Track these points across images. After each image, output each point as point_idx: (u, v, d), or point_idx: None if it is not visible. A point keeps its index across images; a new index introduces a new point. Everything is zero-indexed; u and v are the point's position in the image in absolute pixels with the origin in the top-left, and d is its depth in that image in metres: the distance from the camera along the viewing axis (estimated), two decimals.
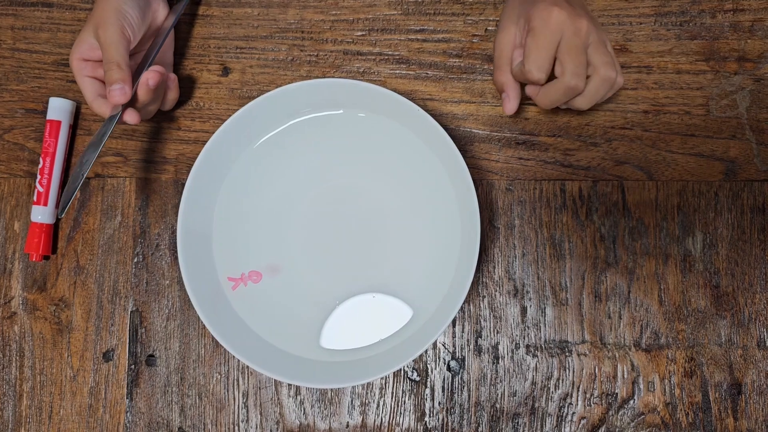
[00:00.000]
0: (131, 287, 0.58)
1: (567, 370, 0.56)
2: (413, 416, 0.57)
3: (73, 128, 0.60)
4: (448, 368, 0.57)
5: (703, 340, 0.56)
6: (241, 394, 0.57)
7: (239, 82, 0.60)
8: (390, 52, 0.60)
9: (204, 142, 0.54)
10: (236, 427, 0.57)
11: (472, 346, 0.57)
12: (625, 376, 0.56)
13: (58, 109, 0.58)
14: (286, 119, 0.57)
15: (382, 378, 0.57)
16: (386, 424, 0.57)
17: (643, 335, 0.56)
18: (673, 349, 0.56)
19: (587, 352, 0.56)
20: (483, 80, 0.59)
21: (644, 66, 0.59)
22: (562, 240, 0.57)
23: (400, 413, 0.57)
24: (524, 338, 0.57)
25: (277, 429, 0.57)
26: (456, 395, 0.57)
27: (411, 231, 0.56)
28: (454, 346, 0.57)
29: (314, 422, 0.57)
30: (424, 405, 0.57)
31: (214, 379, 0.57)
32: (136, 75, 0.54)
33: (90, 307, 0.58)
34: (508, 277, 0.57)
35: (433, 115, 0.53)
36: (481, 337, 0.57)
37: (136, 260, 0.59)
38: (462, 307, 0.57)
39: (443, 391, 0.57)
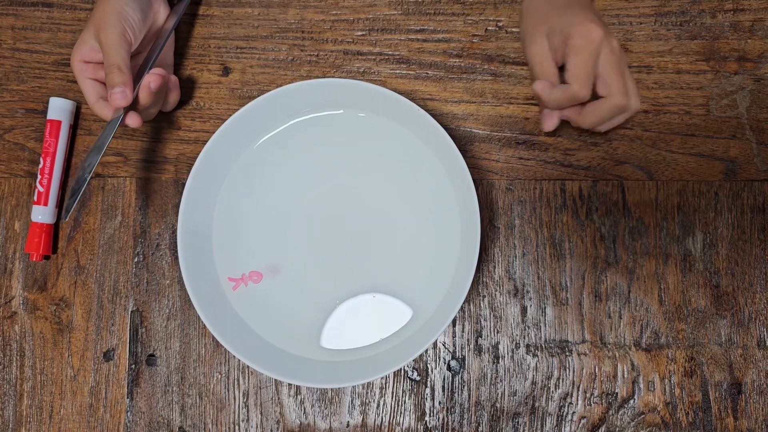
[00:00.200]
0: (132, 287, 0.58)
1: (567, 370, 0.56)
2: (413, 416, 0.57)
3: (74, 128, 0.60)
4: (449, 368, 0.57)
5: (703, 339, 0.56)
6: (241, 394, 0.57)
7: (239, 82, 0.60)
8: (390, 52, 0.60)
9: (204, 142, 0.54)
10: (237, 427, 0.57)
11: (472, 346, 0.57)
12: (626, 376, 0.56)
13: (59, 108, 0.59)
14: (286, 119, 0.57)
15: (382, 378, 0.57)
16: (386, 423, 0.57)
17: (643, 335, 0.56)
18: (673, 348, 0.56)
19: (587, 352, 0.56)
20: (483, 80, 0.59)
21: (644, 66, 0.59)
22: (563, 240, 0.57)
23: (401, 413, 0.57)
24: (524, 338, 0.57)
25: (278, 428, 0.57)
26: (456, 395, 0.57)
27: (411, 231, 0.56)
28: (454, 345, 0.57)
29: (314, 422, 0.57)
30: (425, 404, 0.57)
31: (215, 378, 0.57)
32: (137, 77, 0.54)
33: (90, 306, 0.58)
34: (508, 277, 0.57)
35: (434, 115, 0.53)
36: (481, 337, 0.57)
37: (136, 260, 0.59)
38: (462, 306, 0.57)
39: (443, 390, 0.57)
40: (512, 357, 0.57)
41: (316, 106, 0.57)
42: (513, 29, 0.60)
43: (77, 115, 0.60)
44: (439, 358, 0.57)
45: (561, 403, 0.56)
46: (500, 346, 0.57)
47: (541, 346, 0.57)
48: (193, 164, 0.54)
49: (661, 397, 0.56)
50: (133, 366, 0.58)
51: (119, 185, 0.59)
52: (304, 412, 0.57)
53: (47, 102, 0.59)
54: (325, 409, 0.57)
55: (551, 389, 0.56)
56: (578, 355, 0.56)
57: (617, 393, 0.56)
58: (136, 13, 0.53)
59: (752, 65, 0.58)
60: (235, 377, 0.57)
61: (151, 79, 0.52)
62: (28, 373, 0.58)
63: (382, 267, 0.56)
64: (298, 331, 0.55)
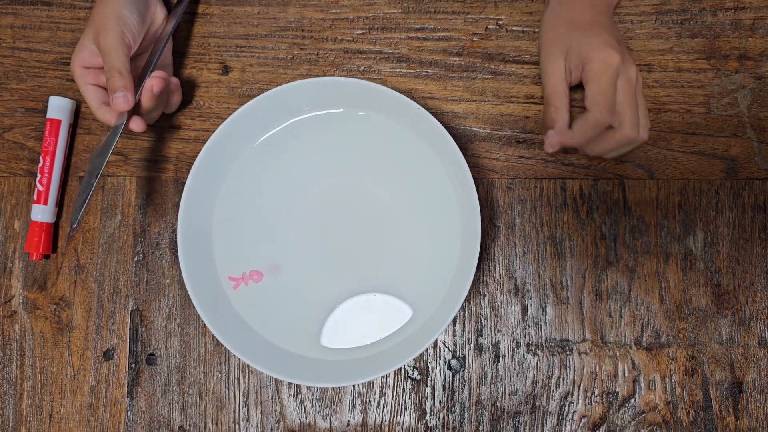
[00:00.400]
0: (131, 286, 0.58)
1: (568, 369, 0.56)
2: (414, 415, 0.57)
3: (73, 127, 0.60)
4: (449, 367, 0.57)
5: (704, 338, 0.56)
6: (241, 393, 0.57)
7: (239, 81, 0.60)
8: (390, 51, 0.60)
9: (204, 141, 0.54)
10: (237, 426, 0.57)
11: (472, 345, 0.57)
12: (626, 375, 0.56)
13: (58, 107, 0.58)
14: (286, 118, 0.57)
15: (382, 377, 0.57)
16: (387, 422, 0.57)
17: (644, 334, 0.56)
18: (674, 347, 0.56)
19: (588, 351, 0.56)
20: (483, 79, 0.59)
21: (645, 64, 0.59)
22: (563, 238, 0.57)
23: (401, 412, 0.57)
24: (525, 337, 0.57)
25: (278, 428, 0.57)
26: (457, 394, 0.56)
27: (411, 229, 0.56)
28: (454, 344, 0.57)
29: (315, 421, 0.57)
30: (425, 404, 0.57)
31: (215, 377, 0.57)
32: (139, 81, 0.54)
33: (90, 306, 0.58)
34: (508, 276, 0.57)
35: (434, 114, 0.53)
36: (481, 336, 0.57)
37: (136, 259, 0.59)
38: (463, 305, 0.57)
39: (444, 389, 0.57)
40: (513, 356, 0.57)
41: (316, 105, 0.57)
42: (513, 28, 0.59)
43: (77, 114, 0.60)
44: (440, 357, 0.57)
45: (562, 402, 0.56)
46: (501, 345, 0.57)
47: (541, 345, 0.57)
48: (193, 163, 0.54)
49: (662, 396, 0.56)
50: (133, 365, 0.58)
51: (119, 184, 0.59)
52: (305, 412, 0.57)
53: (47, 101, 0.59)
54: (326, 408, 0.57)
55: (552, 388, 0.56)
56: (579, 354, 0.56)
57: (618, 392, 0.56)
58: (134, 15, 0.53)
59: (753, 63, 0.58)
60: (236, 376, 0.57)
61: (154, 83, 0.52)
62: (28, 373, 0.58)
63: (383, 266, 0.56)
64: (299, 330, 0.55)
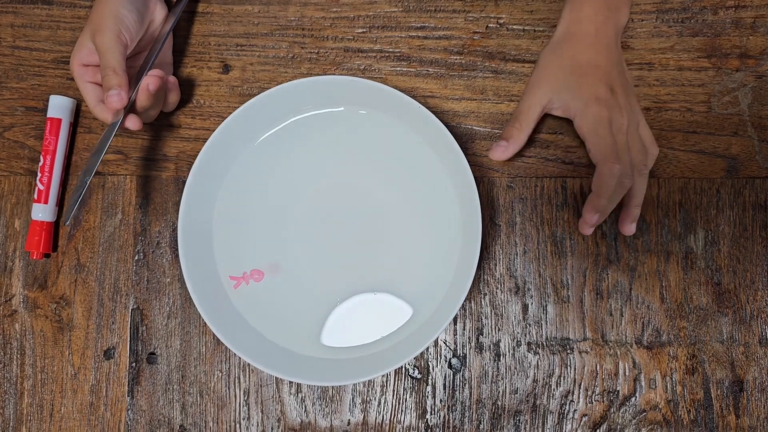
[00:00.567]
0: (132, 285, 0.58)
1: (568, 368, 0.56)
2: (414, 414, 0.56)
3: (74, 126, 0.60)
4: (450, 366, 0.57)
5: (705, 337, 0.56)
6: (242, 392, 0.57)
7: (240, 80, 0.60)
8: (391, 49, 0.60)
9: (204, 140, 0.54)
10: (237, 425, 0.57)
11: (473, 344, 0.57)
12: (627, 374, 0.56)
13: (59, 106, 0.58)
14: (286, 117, 0.57)
15: (383, 375, 0.57)
16: (387, 421, 0.56)
17: (644, 332, 0.56)
18: (674, 346, 0.56)
19: (589, 350, 0.56)
20: (484, 77, 0.59)
21: (646, 63, 0.58)
22: (564, 237, 0.57)
23: (402, 411, 0.57)
24: (526, 336, 0.57)
25: (279, 427, 0.57)
26: (457, 393, 0.56)
27: (412, 228, 0.56)
28: (455, 343, 0.57)
29: (315, 420, 0.57)
30: (426, 402, 0.57)
31: (215, 376, 0.57)
32: (136, 79, 0.54)
33: (91, 304, 0.58)
34: (509, 275, 0.57)
35: (434, 113, 0.53)
36: (482, 335, 0.57)
37: (136, 258, 0.59)
38: (463, 304, 0.57)
39: (444, 388, 0.57)
40: (513, 355, 0.57)
41: (317, 104, 0.57)
42: (514, 26, 0.59)
43: (77, 113, 0.60)
44: (440, 356, 0.57)
45: (562, 401, 0.56)
46: (501, 344, 0.57)
47: (542, 343, 0.57)
48: (193, 162, 0.54)
49: (662, 394, 0.56)
50: (133, 364, 0.58)
51: (119, 183, 0.59)
52: (305, 410, 0.57)
53: (47, 100, 0.59)
54: (326, 407, 0.57)
55: (552, 387, 0.56)
56: (579, 352, 0.56)
57: (619, 391, 0.56)
58: (132, 14, 0.53)
59: (754, 62, 0.58)
60: (236, 375, 0.57)
61: (150, 81, 0.52)
62: (28, 372, 0.58)
63: (383, 265, 0.56)
64: (299, 329, 0.55)
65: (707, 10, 0.59)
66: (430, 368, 0.57)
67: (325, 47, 0.60)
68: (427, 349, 0.57)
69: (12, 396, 0.58)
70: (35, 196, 0.58)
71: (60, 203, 0.59)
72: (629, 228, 0.54)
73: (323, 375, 0.53)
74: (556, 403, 0.56)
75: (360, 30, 0.60)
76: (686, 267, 0.57)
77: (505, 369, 0.57)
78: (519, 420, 0.56)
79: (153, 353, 0.58)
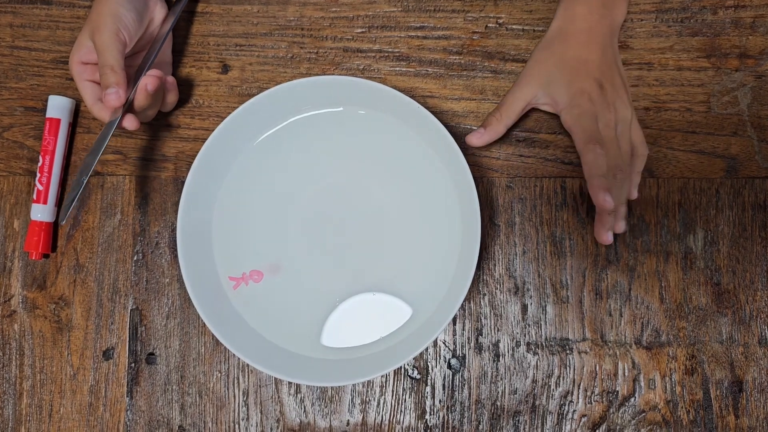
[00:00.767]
0: (131, 285, 0.58)
1: (568, 368, 0.56)
2: (414, 414, 0.56)
3: (73, 126, 0.60)
4: (449, 366, 0.57)
5: (704, 337, 0.56)
6: (241, 393, 0.57)
7: (239, 80, 0.60)
8: (390, 49, 0.60)
9: (203, 140, 0.54)
10: (236, 426, 0.57)
11: (472, 344, 0.57)
12: (626, 374, 0.56)
13: (58, 107, 0.58)
14: (285, 117, 0.57)
15: (382, 376, 0.57)
16: (387, 422, 0.56)
17: (644, 333, 0.56)
18: (674, 346, 0.56)
19: (588, 350, 0.56)
20: (483, 77, 0.59)
21: (645, 63, 0.58)
22: (563, 237, 0.57)
23: (401, 411, 0.56)
24: (525, 336, 0.57)
25: (278, 427, 0.57)
26: (457, 393, 0.56)
27: (411, 228, 0.56)
28: (454, 344, 0.57)
29: (314, 420, 0.57)
30: (425, 403, 0.57)
31: (215, 377, 0.57)
32: (134, 78, 0.54)
33: (90, 305, 0.58)
34: (508, 275, 0.57)
35: (434, 113, 0.53)
36: (481, 335, 0.57)
37: (135, 258, 0.59)
38: (462, 304, 0.57)
39: (444, 389, 0.57)
40: (513, 355, 0.57)
41: (316, 104, 0.57)
42: (513, 26, 0.59)
43: (76, 113, 0.60)
44: (440, 356, 0.57)
45: (562, 402, 0.56)
46: (501, 345, 0.57)
47: (541, 344, 0.56)
48: (192, 162, 0.54)
49: (662, 395, 0.56)
50: (132, 365, 0.58)
51: (118, 183, 0.59)
52: (304, 411, 0.57)
53: (46, 100, 0.59)
54: (326, 407, 0.57)
55: (552, 387, 0.56)
56: (579, 353, 0.56)
57: (618, 391, 0.56)
58: (131, 13, 0.53)
59: (753, 62, 0.58)
60: (235, 376, 0.57)
61: (148, 81, 0.52)
62: (27, 372, 0.58)
63: (382, 265, 0.56)
64: (299, 330, 0.55)
65: (707, 9, 0.59)
66: (430, 369, 0.57)
67: (324, 47, 0.60)
68: (427, 349, 0.57)
69: (11, 396, 0.58)
70: (34, 197, 0.58)
71: (59, 204, 0.59)
72: (619, 226, 0.54)
73: (322, 375, 0.53)
74: (556, 404, 0.56)
75: (359, 30, 0.60)
76: (685, 267, 0.57)
77: (505, 369, 0.56)
78: (518, 420, 0.56)
79: (152, 354, 0.58)
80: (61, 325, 0.58)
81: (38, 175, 0.58)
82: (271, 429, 0.57)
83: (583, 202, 0.57)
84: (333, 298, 0.56)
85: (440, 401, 0.56)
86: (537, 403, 0.56)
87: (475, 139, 0.56)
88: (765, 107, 0.58)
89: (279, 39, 0.60)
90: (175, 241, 0.58)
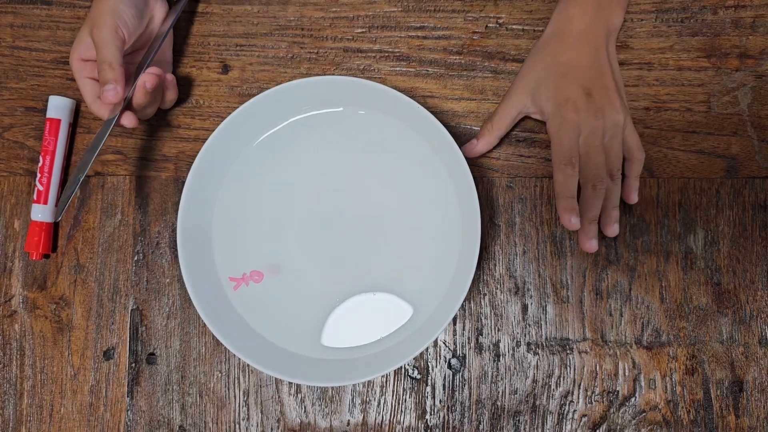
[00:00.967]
0: (131, 285, 0.58)
1: (568, 368, 0.56)
2: (414, 414, 0.56)
3: (73, 126, 0.60)
4: (449, 366, 0.57)
5: (705, 337, 0.56)
6: (241, 393, 0.57)
7: (239, 80, 0.60)
8: (390, 49, 0.60)
9: (204, 140, 0.54)
10: (237, 426, 0.57)
11: (473, 344, 0.57)
12: (627, 374, 0.56)
13: (58, 107, 0.58)
14: (286, 117, 0.57)
15: (383, 376, 0.57)
16: (387, 422, 0.56)
17: (644, 333, 0.56)
18: (674, 346, 0.56)
19: (588, 350, 0.56)
20: (483, 77, 0.59)
21: (645, 63, 0.58)
22: (563, 237, 0.57)
23: (401, 411, 0.56)
24: (525, 336, 0.57)
25: (278, 427, 0.57)
26: (457, 393, 0.56)
27: (412, 229, 0.56)
28: (454, 344, 0.57)
29: (315, 420, 0.57)
30: (425, 403, 0.57)
31: (215, 377, 0.57)
32: (134, 75, 0.54)
33: (90, 305, 0.58)
34: (509, 275, 0.57)
35: (434, 113, 0.53)
36: (481, 335, 0.57)
37: (136, 258, 0.59)
38: (463, 304, 0.57)
39: (444, 389, 0.57)
40: (513, 355, 0.57)
41: (316, 104, 0.57)
42: (514, 26, 0.59)
43: (77, 114, 0.60)
44: (440, 356, 0.57)
45: (562, 402, 0.56)
46: (501, 345, 0.57)
47: (542, 344, 0.56)
48: (192, 162, 0.54)
49: (662, 395, 0.56)
50: (133, 365, 0.58)
51: (119, 183, 0.59)
52: (305, 411, 0.57)
53: (46, 100, 0.59)
54: (326, 407, 0.57)
55: (552, 387, 0.56)
56: (579, 353, 0.56)
57: (618, 391, 0.56)
58: (130, 9, 0.53)
59: (753, 62, 0.58)
60: (236, 376, 0.57)
61: (147, 79, 0.52)
62: (28, 372, 0.58)
63: (383, 265, 0.56)
64: (299, 330, 0.55)
65: (707, 9, 0.59)
66: (430, 368, 0.57)
67: (324, 47, 0.60)
68: (427, 349, 0.57)
69: (12, 396, 0.58)
70: (35, 197, 0.58)
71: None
72: (611, 230, 0.54)
73: (323, 375, 0.53)
74: (556, 404, 0.56)
75: (359, 30, 0.60)
76: (686, 267, 0.57)
77: (505, 369, 0.56)
78: (518, 420, 0.56)
79: (152, 354, 0.58)
80: (62, 325, 0.58)
81: (38, 175, 0.58)
82: (272, 429, 0.57)
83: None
84: (333, 298, 0.56)
85: (440, 401, 0.56)
86: (537, 403, 0.56)
87: (469, 150, 0.57)
88: (765, 107, 0.58)
89: (279, 39, 0.60)
90: (175, 241, 0.58)
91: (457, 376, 0.57)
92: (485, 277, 0.57)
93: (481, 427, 0.56)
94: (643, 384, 0.56)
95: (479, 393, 0.56)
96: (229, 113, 0.54)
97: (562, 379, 0.56)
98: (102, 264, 0.59)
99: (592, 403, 0.56)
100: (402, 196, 0.56)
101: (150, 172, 0.59)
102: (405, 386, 0.57)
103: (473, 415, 0.56)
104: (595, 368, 0.56)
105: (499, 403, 0.56)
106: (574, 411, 0.56)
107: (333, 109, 0.57)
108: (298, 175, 0.57)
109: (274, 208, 0.57)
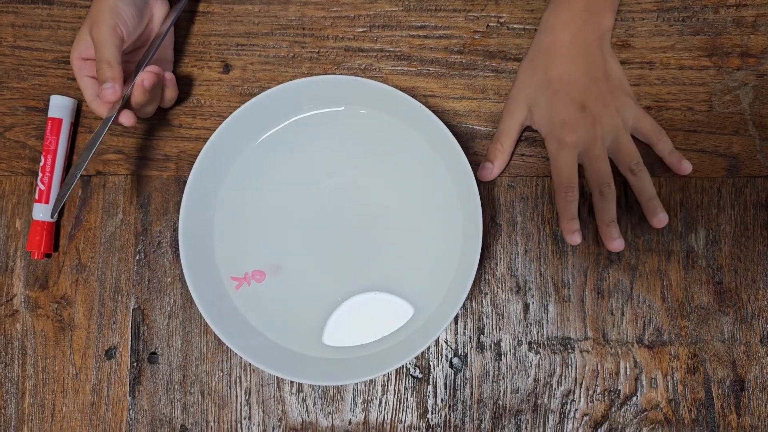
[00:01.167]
0: (133, 285, 0.58)
1: (569, 367, 0.56)
2: (415, 413, 0.56)
3: (75, 126, 0.60)
4: (451, 365, 0.57)
5: (706, 336, 0.56)
6: (243, 392, 0.57)
7: (240, 79, 0.60)
8: (391, 49, 0.60)
9: (205, 140, 0.54)
10: (239, 425, 0.57)
11: (474, 343, 0.57)
12: (628, 373, 0.56)
13: (59, 106, 0.58)
14: (287, 116, 0.57)
15: (384, 375, 0.57)
16: (389, 421, 0.57)
17: (645, 332, 0.56)
18: (675, 345, 0.56)
19: (590, 349, 0.56)
20: (485, 77, 0.59)
21: (646, 62, 0.58)
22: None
23: (403, 410, 0.57)
24: (526, 335, 0.57)
25: (280, 426, 0.57)
26: (458, 392, 0.56)
27: (413, 228, 0.56)
28: (456, 343, 0.57)
29: (317, 419, 0.57)
30: (427, 402, 0.57)
31: (217, 376, 0.57)
32: (134, 74, 0.54)
33: (92, 304, 0.58)
34: (510, 274, 0.57)
35: (435, 112, 0.53)
36: (483, 334, 0.57)
37: (137, 258, 0.59)
38: (464, 303, 0.57)
39: (446, 388, 0.57)
40: (514, 354, 0.57)
41: (317, 103, 0.57)
42: (515, 25, 0.59)
43: (78, 113, 0.60)
44: (441, 355, 0.57)
45: (563, 401, 0.56)
46: (502, 344, 0.57)
47: (543, 343, 0.57)
48: (194, 162, 0.54)
49: (663, 394, 0.56)
50: (134, 364, 0.58)
51: (120, 183, 0.59)
52: (306, 410, 0.57)
53: (48, 100, 0.59)
54: (327, 406, 0.57)
55: (554, 386, 0.56)
56: (581, 352, 0.56)
57: (620, 390, 0.56)
58: (129, 7, 0.53)
59: (755, 61, 0.58)
60: (237, 375, 0.57)
61: (145, 77, 0.52)
62: (29, 372, 0.58)
63: (384, 264, 0.56)
64: (300, 329, 0.55)
65: (708, 8, 0.59)
66: (431, 368, 0.57)
67: (325, 47, 0.60)
68: (428, 348, 0.57)
69: (13, 396, 0.58)
70: (36, 196, 0.58)
71: None
72: (657, 221, 0.54)
73: (324, 375, 0.53)
74: (558, 403, 0.56)
75: (360, 29, 0.60)
76: (687, 266, 0.57)
77: (506, 368, 0.56)
78: (520, 419, 0.56)
79: (154, 353, 0.58)
80: (64, 324, 0.58)
81: (40, 174, 0.58)
82: (273, 428, 0.57)
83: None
84: (335, 297, 0.56)
85: (442, 400, 0.57)
86: (539, 402, 0.56)
87: (486, 174, 0.57)
88: (766, 106, 0.58)
89: (280, 38, 0.60)
90: (176, 240, 0.58)
91: (459, 375, 0.57)
92: (486, 276, 0.57)
93: (482, 426, 0.56)
94: (644, 383, 0.56)
95: (481, 392, 0.56)
96: (231, 113, 0.54)
97: (563, 378, 0.56)
98: (103, 263, 0.59)
99: (593, 402, 0.56)
100: (403, 196, 0.56)
101: (151, 171, 0.59)
102: (406, 385, 0.57)
103: (475, 414, 0.56)
104: (597, 367, 0.56)
105: (500, 402, 0.56)
106: (576, 410, 0.56)
107: (334, 108, 0.57)
108: (299, 175, 0.57)
109: (275, 208, 0.57)
